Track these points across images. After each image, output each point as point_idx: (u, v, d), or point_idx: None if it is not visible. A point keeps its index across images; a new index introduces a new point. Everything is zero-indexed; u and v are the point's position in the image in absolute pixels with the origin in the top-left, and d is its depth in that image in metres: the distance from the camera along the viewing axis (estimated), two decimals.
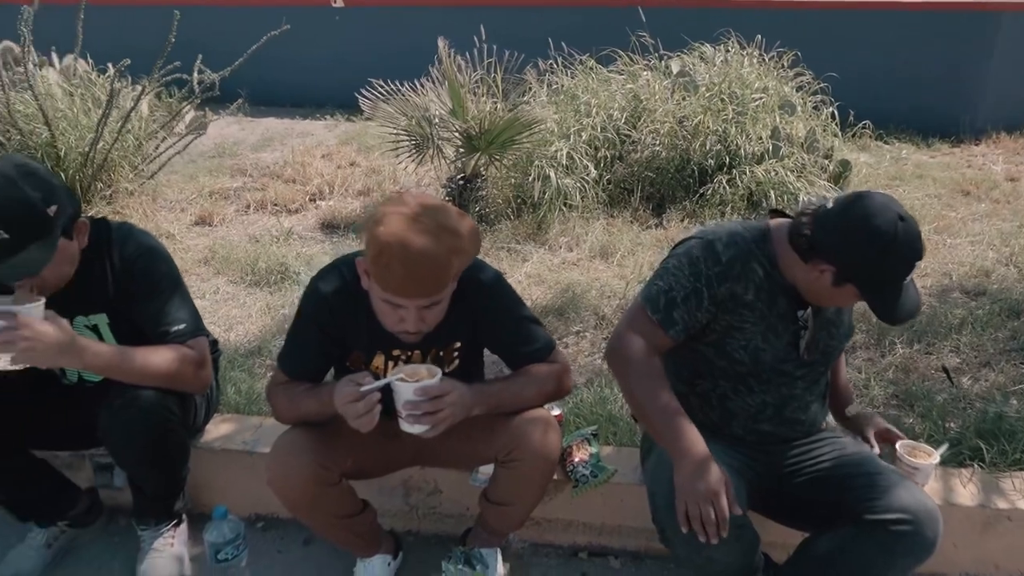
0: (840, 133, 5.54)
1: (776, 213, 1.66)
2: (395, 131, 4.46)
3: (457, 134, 4.40)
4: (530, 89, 4.87)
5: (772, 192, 4.57)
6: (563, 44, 5.33)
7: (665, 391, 1.54)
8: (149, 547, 1.91)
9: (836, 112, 5.48)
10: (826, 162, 5.16)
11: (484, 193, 4.55)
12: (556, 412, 1.88)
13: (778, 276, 1.56)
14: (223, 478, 2.10)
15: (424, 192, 1.56)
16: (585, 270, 3.81)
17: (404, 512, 2.03)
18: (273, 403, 1.68)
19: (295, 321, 1.68)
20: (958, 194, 5.27)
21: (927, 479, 1.79)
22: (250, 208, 4.76)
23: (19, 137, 4.36)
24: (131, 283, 1.71)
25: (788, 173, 4.68)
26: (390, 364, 1.66)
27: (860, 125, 5.94)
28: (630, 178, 4.79)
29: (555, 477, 1.90)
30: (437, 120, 4.41)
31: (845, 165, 5.30)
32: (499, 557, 1.82)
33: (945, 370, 2.73)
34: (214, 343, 1.95)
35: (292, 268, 3.71)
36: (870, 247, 1.40)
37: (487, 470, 1.82)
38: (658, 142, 4.78)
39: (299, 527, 2.08)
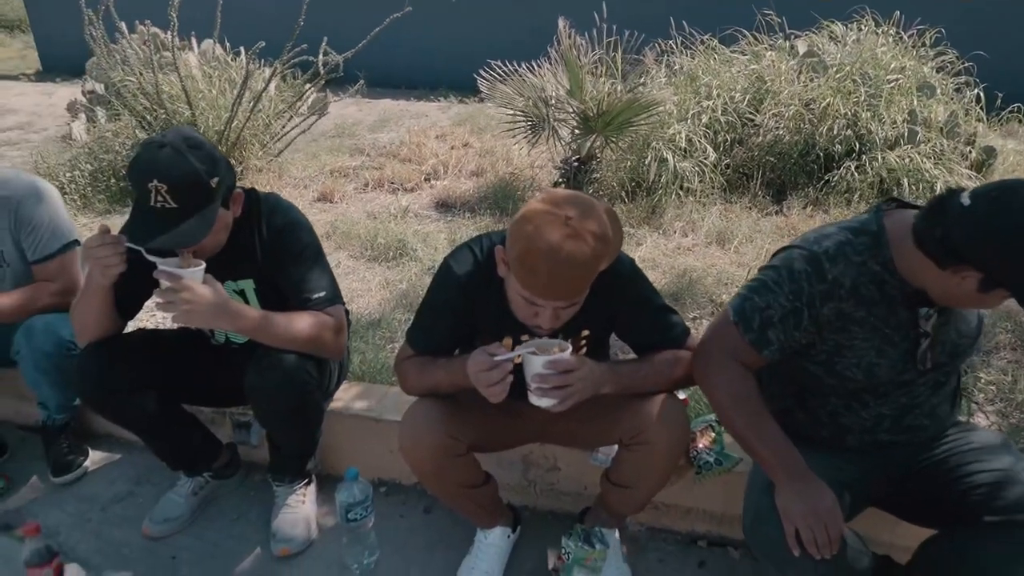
0: (985, 117, 5.13)
1: (891, 202, 1.49)
2: (512, 112, 4.48)
3: (573, 115, 4.38)
4: (649, 70, 4.76)
5: (906, 180, 4.29)
6: (684, 24, 5.18)
7: (762, 413, 1.48)
8: (283, 502, 2.03)
9: (982, 94, 5.08)
10: (968, 149, 4.79)
11: (598, 175, 4.51)
12: (682, 397, 1.85)
13: (896, 283, 1.42)
14: (351, 442, 2.19)
15: (573, 192, 1.53)
16: (701, 256, 3.72)
17: (522, 487, 2.06)
18: (402, 375, 1.72)
19: (427, 298, 1.71)
20: None
21: None
22: (368, 186, 4.92)
23: (164, 116, 4.68)
24: (277, 251, 1.81)
25: (924, 160, 4.38)
26: (517, 348, 1.66)
27: (1008, 109, 5.47)
28: (750, 163, 4.62)
29: (681, 462, 1.88)
30: (554, 101, 4.41)
31: (990, 152, 4.91)
32: (619, 539, 1.81)
33: None
34: (347, 311, 2.04)
35: (409, 244, 3.81)
36: (1021, 247, 1.23)
37: (608, 450, 1.82)
38: (781, 126, 4.58)
39: (420, 494, 2.16)
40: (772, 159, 4.58)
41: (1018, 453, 1.52)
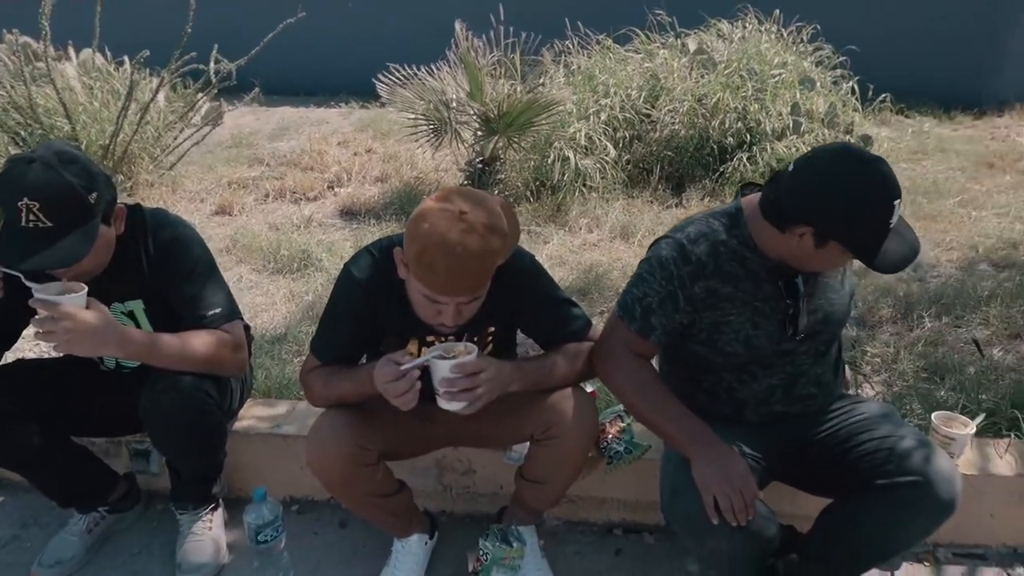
0: (861, 107, 5.46)
1: (749, 187, 1.60)
2: (413, 116, 4.45)
3: (475, 117, 4.40)
4: (547, 71, 4.83)
5: None
6: (579, 24, 5.28)
7: (664, 395, 1.56)
8: (188, 531, 1.94)
9: (856, 86, 5.41)
10: (847, 137, 5.09)
11: (503, 176, 4.54)
12: (589, 389, 1.88)
13: (758, 258, 1.52)
14: (258, 462, 2.12)
15: (467, 187, 1.54)
16: (606, 251, 3.80)
17: (438, 492, 2.04)
18: (308, 387, 1.69)
19: (328, 307, 1.68)
20: (982, 167, 5.19)
21: (963, 449, 1.77)
22: (269, 197, 4.78)
23: (40, 131, 4.40)
24: (166, 268, 1.73)
25: (808, 149, 4.62)
26: (423, 350, 1.66)
27: (880, 99, 5.84)
28: (649, 158, 4.75)
29: (590, 454, 1.91)
30: (455, 104, 4.41)
31: (867, 140, 5.23)
32: (536, 536, 1.83)
33: (975, 342, 2.70)
34: (247, 327, 1.97)
35: (314, 255, 3.73)
36: (837, 197, 1.34)
37: (521, 448, 1.83)
38: (677, 121, 4.74)
39: (334, 509, 2.11)
40: (670, 153, 4.73)
41: (900, 420, 1.63)
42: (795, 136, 4.71)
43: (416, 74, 4.46)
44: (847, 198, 1.35)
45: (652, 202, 4.41)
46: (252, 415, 2.16)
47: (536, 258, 1.69)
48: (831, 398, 1.69)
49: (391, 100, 4.43)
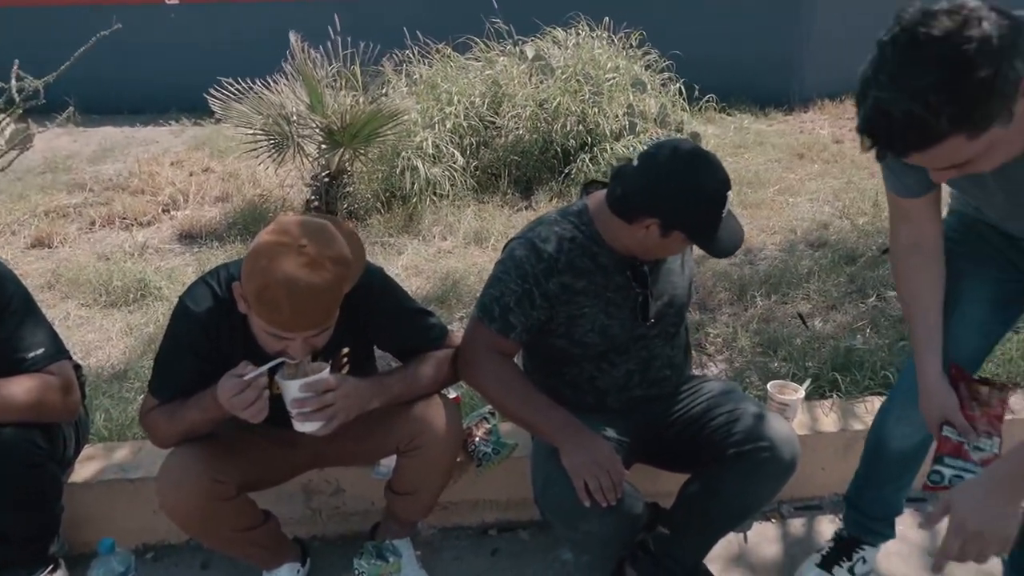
0: (688, 107, 5.86)
1: (593, 185, 1.70)
2: (251, 131, 4.27)
3: (318, 130, 4.29)
4: (389, 80, 4.80)
5: None
6: (418, 33, 5.29)
7: (528, 390, 1.60)
8: None
9: (683, 88, 5.80)
10: (678, 135, 5.45)
11: (351, 189, 4.46)
12: (453, 395, 1.89)
13: (606, 251, 1.60)
14: (102, 511, 1.95)
15: (304, 217, 1.48)
16: (461, 257, 3.83)
17: (307, 517, 1.97)
18: (150, 429, 1.57)
19: (164, 344, 1.57)
20: (794, 157, 5.73)
21: (795, 413, 1.95)
22: (95, 224, 4.42)
23: None
24: None
25: (644, 148, 4.89)
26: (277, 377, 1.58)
27: (705, 99, 6.29)
28: (496, 163, 4.85)
29: (458, 459, 1.91)
30: (295, 117, 4.28)
31: (696, 137, 5.61)
32: (412, 547, 1.81)
33: (800, 316, 2.98)
34: (77, 367, 1.81)
35: (152, 283, 3.48)
36: (680, 190, 1.45)
37: (388, 461, 1.80)
38: (520, 126, 4.87)
39: (195, 551, 1.98)
40: (516, 158, 4.85)
41: (742, 394, 1.77)
42: (631, 136, 4.98)
43: (252, 88, 4.29)
44: (688, 191, 1.46)
45: (503, 206, 4.50)
46: (92, 461, 1.98)
47: (385, 272, 1.67)
48: (683, 378, 1.80)
49: (226, 116, 4.22)
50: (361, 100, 4.31)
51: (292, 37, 4.11)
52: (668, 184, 1.46)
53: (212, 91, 4.19)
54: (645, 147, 1.62)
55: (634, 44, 5.72)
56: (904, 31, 1.03)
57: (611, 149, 4.78)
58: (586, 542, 1.64)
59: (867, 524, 1.81)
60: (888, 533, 1.83)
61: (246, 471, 1.60)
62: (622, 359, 1.68)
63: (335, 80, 4.33)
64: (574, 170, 4.74)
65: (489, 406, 2.04)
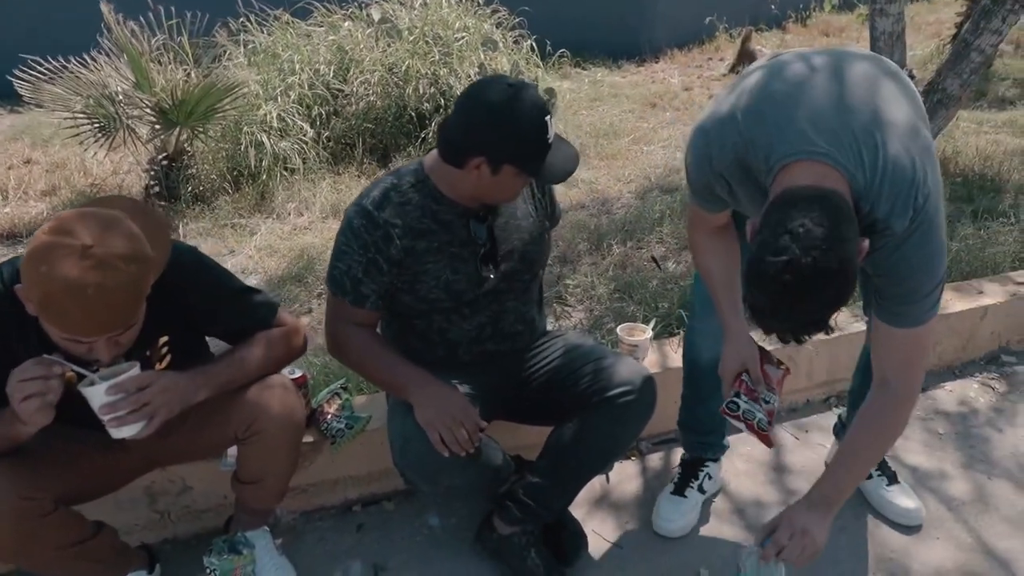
0: (542, 63, 5.87)
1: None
2: (71, 115, 3.90)
3: (148, 110, 3.97)
4: (225, 52, 4.51)
5: None
6: (253, 1, 4.98)
7: (381, 350, 1.61)
8: None
9: (535, 44, 5.79)
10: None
11: (194, 170, 4.18)
12: (298, 374, 1.81)
13: (447, 206, 1.59)
14: None
15: (88, 209, 1.33)
16: (319, 232, 3.68)
17: (154, 521, 1.85)
18: None
19: None
20: (647, 107, 5.89)
21: (646, 352, 2.01)
22: None
23: None
24: None
25: None
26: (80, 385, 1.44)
27: (558, 55, 6.33)
28: (350, 132, 4.68)
29: (311, 439, 1.85)
30: (121, 97, 3.94)
31: (551, 92, 5.63)
32: (269, 536, 1.73)
33: (654, 259, 3.07)
34: None
35: None
36: (497, 122, 1.43)
37: (234, 451, 1.71)
38: (371, 92, 4.71)
39: None
40: (370, 125, 4.70)
41: (598, 344, 1.80)
42: None
43: (66, 67, 3.90)
44: (505, 121, 1.44)
45: (360, 176, 4.36)
46: None
47: (200, 251, 1.56)
48: (537, 334, 1.81)
49: (38, 99, 3.83)
50: (193, 74, 4.02)
51: (104, 8, 3.75)
52: (485, 119, 1.44)
53: (17, 72, 3.78)
54: None
55: (481, 2, 5.64)
56: (796, 270, 1.12)
57: None
58: (451, 496, 1.63)
59: (702, 440, 1.92)
60: (722, 444, 1.96)
61: (67, 482, 1.46)
62: (472, 312, 1.67)
63: (161, 54, 4.01)
64: (430, 134, 4.65)
65: (341, 381, 1.99)
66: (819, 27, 8.48)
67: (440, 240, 1.59)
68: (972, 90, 4.08)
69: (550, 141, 1.50)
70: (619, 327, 2.09)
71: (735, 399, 1.60)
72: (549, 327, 1.94)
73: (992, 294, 2.46)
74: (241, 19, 4.88)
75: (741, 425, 1.60)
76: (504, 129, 1.44)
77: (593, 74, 6.91)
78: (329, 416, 1.84)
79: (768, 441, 1.61)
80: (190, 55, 4.11)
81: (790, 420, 2.21)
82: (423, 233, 1.57)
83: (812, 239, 1.11)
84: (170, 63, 4.03)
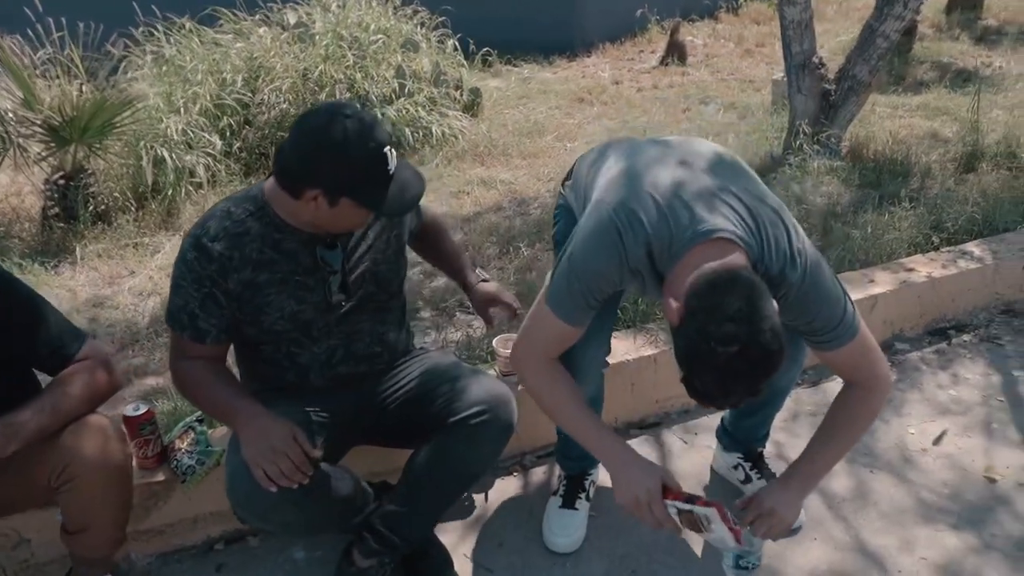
0: (467, 63, 5.79)
1: None
2: None
3: (37, 128, 3.79)
4: (123, 64, 4.34)
5: (408, 129, 4.64)
6: (155, 9, 4.81)
7: (214, 385, 1.51)
8: None
9: (458, 44, 5.71)
10: (459, 93, 5.37)
11: (95, 189, 3.99)
12: (143, 410, 1.70)
13: (290, 234, 1.49)
14: None
15: None
16: None
17: None
18: None
19: None
20: (575, 102, 5.84)
21: None
22: None
23: None
24: None
25: (419, 109, 4.78)
26: None
27: (481, 53, 6.25)
28: (263, 142, 4.55)
29: (162, 477, 1.74)
30: (11, 115, 3.76)
31: (476, 92, 5.57)
32: None
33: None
34: None
35: None
36: (332, 154, 1.36)
37: None
38: (283, 100, 4.57)
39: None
40: (284, 134, 4.56)
41: (459, 363, 1.72)
42: (405, 99, 4.84)
43: None
44: (341, 154, 1.36)
45: None
46: None
47: (11, 275, 1.45)
48: (397, 354, 1.72)
49: None
50: (86, 89, 3.85)
51: None
52: (321, 151, 1.36)
53: None
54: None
55: (399, 3, 5.54)
56: (746, 356, 1.20)
57: (381, 115, 4.61)
58: (291, 532, 1.57)
59: (582, 461, 1.86)
60: None
61: None
62: (323, 337, 1.58)
63: (48, 69, 3.83)
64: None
65: (197, 413, 1.88)
66: (751, 16, 8.53)
67: (283, 270, 1.50)
68: (881, 75, 4.09)
69: (392, 172, 1.42)
70: (495, 340, 2.01)
71: (672, 511, 1.40)
72: (457, 336, 1.87)
73: (883, 282, 2.43)
74: (142, 29, 4.70)
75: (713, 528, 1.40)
76: (340, 162, 1.36)
77: (524, 71, 6.84)
78: (180, 452, 1.74)
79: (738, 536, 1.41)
80: (82, 69, 3.93)
81: (680, 423, 2.15)
82: (264, 264, 1.48)
83: (754, 325, 1.20)
84: (59, 78, 3.85)
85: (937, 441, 2.03)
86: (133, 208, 3.94)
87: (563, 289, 1.42)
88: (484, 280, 1.86)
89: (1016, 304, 2.68)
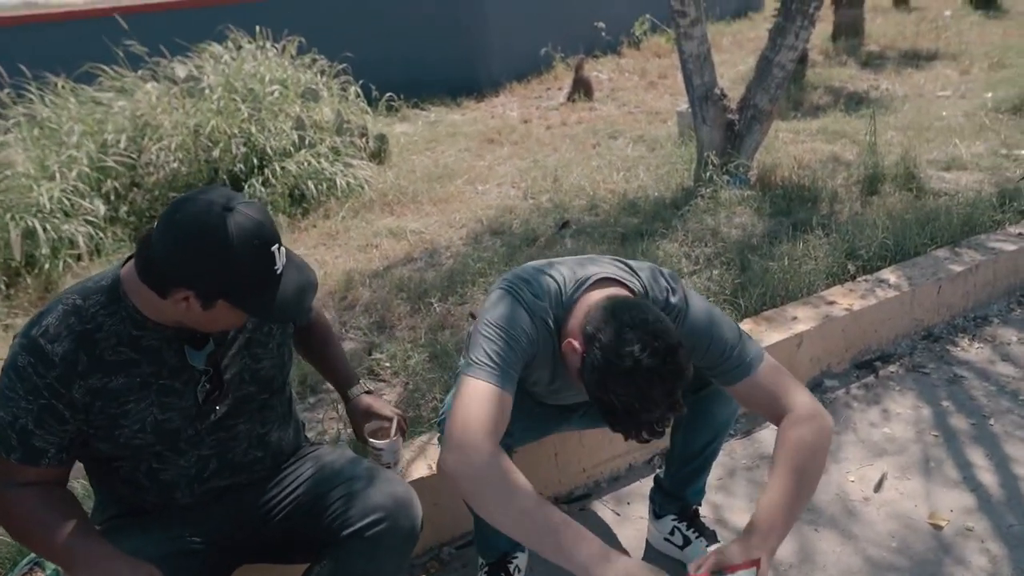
0: (371, 110, 5.62)
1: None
2: None
3: None
4: None
5: (311, 182, 4.42)
6: (23, 68, 4.46)
7: (53, 519, 1.24)
8: None
9: (360, 91, 5.54)
10: (364, 140, 5.19)
11: None
12: None
13: (152, 331, 1.27)
14: None
15: None
16: None
17: None
18: None
19: None
20: (485, 143, 5.74)
21: (394, 455, 1.65)
22: None
23: None
24: None
25: (321, 160, 4.57)
26: None
27: (385, 98, 6.11)
28: (154, 203, 4.24)
29: None
30: None
31: (382, 139, 5.41)
32: None
33: (471, 315, 2.83)
34: None
35: None
36: (209, 255, 1.17)
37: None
38: (173, 158, 4.28)
39: None
40: (177, 194, 4.26)
41: (355, 463, 1.48)
42: (307, 150, 4.62)
43: None
44: (220, 253, 1.16)
45: None
46: None
47: None
48: (283, 456, 1.50)
49: None
50: None
51: None
52: (197, 251, 1.15)
53: None
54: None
55: (293, 53, 5.34)
56: (653, 351, 1.25)
57: (281, 169, 4.38)
58: None
59: (504, 549, 1.68)
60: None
61: None
62: (191, 447, 1.35)
63: None
64: (247, 196, 4.28)
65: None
66: (651, 49, 8.71)
67: (143, 373, 1.26)
68: (780, 103, 4.15)
69: (279, 272, 1.22)
70: (366, 426, 1.67)
71: None
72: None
73: (806, 319, 2.37)
74: (7, 90, 4.34)
75: None
76: (219, 265, 1.16)
77: (431, 114, 6.72)
78: None
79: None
80: None
81: (610, 491, 2.00)
82: (119, 367, 1.24)
83: (650, 325, 1.28)
84: None
85: (878, 487, 1.94)
86: (3, 286, 3.56)
87: (482, 352, 1.35)
88: (367, 392, 1.68)
89: (935, 328, 2.67)
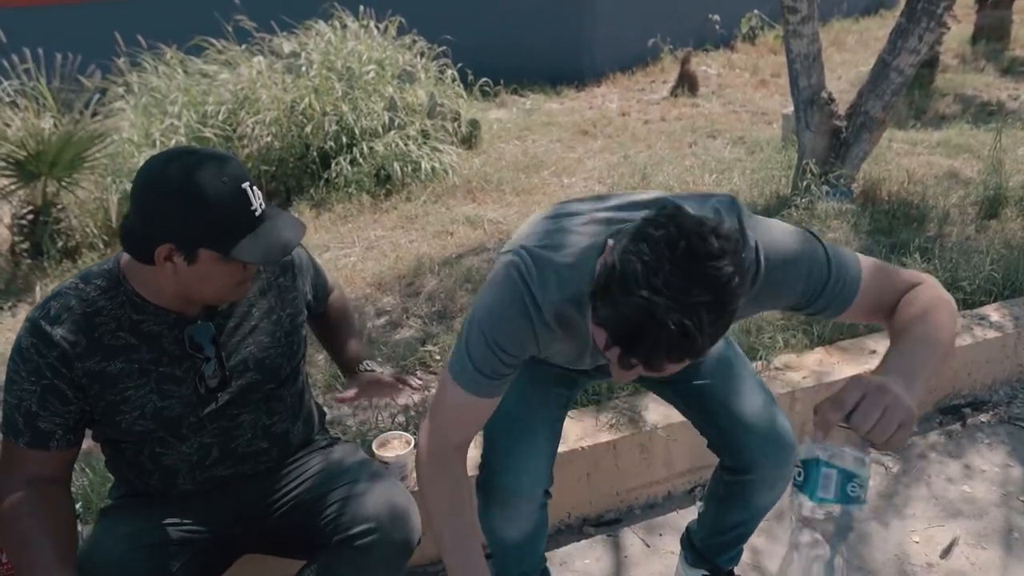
0: (465, 94, 5.60)
1: None
2: None
3: (7, 162, 3.66)
4: (99, 95, 4.21)
5: (397, 164, 4.45)
6: (140, 38, 4.70)
7: (35, 531, 1.21)
8: None
9: (457, 75, 5.53)
10: (455, 125, 5.18)
11: (65, 224, 3.85)
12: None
13: (152, 315, 1.27)
14: None
15: None
16: None
17: None
18: None
19: None
20: (579, 135, 5.61)
21: (402, 471, 1.62)
22: None
23: None
24: None
25: (410, 142, 4.59)
26: None
27: (480, 83, 6.07)
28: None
29: None
30: None
31: (475, 124, 5.38)
32: None
33: None
34: None
35: None
36: (176, 196, 1.15)
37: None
38: (268, 132, 4.41)
39: None
40: (268, 167, 4.41)
41: (363, 464, 1.45)
42: (396, 131, 4.65)
43: None
44: (188, 195, 1.15)
45: None
46: None
47: None
48: (291, 448, 1.47)
49: None
50: (55, 122, 3.72)
51: None
52: (165, 197, 1.15)
53: None
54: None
55: (394, 33, 5.38)
56: (685, 238, 0.95)
57: (369, 148, 4.43)
58: None
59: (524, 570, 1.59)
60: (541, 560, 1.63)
61: None
62: (193, 434, 1.34)
63: (16, 101, 3.70)
64: (334, 174, 4.36)
65: None
66: (767, 45, 8.26)
67: (142, 359, 1.26)
68: (896, 111, 3.81)
69: (257, 213, 1.19)
70: (374, 442, 1.67)
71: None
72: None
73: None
74: (123, 59, 4.58)
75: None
76: (189, 205, 1.14)
77: (529, 101, 6.64)
78: None
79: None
80: (54, 101, 3.81)
81: (643, 519, 1.87)
82: (118, 352, 1.24)
83: (678, 218, 0.99)
84: (29, 110, 3.73)
85: (946, 553, 1.73)
86: (103, 246, 3.78)
87: (462, 352, 1.20)
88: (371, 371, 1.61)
89: None
